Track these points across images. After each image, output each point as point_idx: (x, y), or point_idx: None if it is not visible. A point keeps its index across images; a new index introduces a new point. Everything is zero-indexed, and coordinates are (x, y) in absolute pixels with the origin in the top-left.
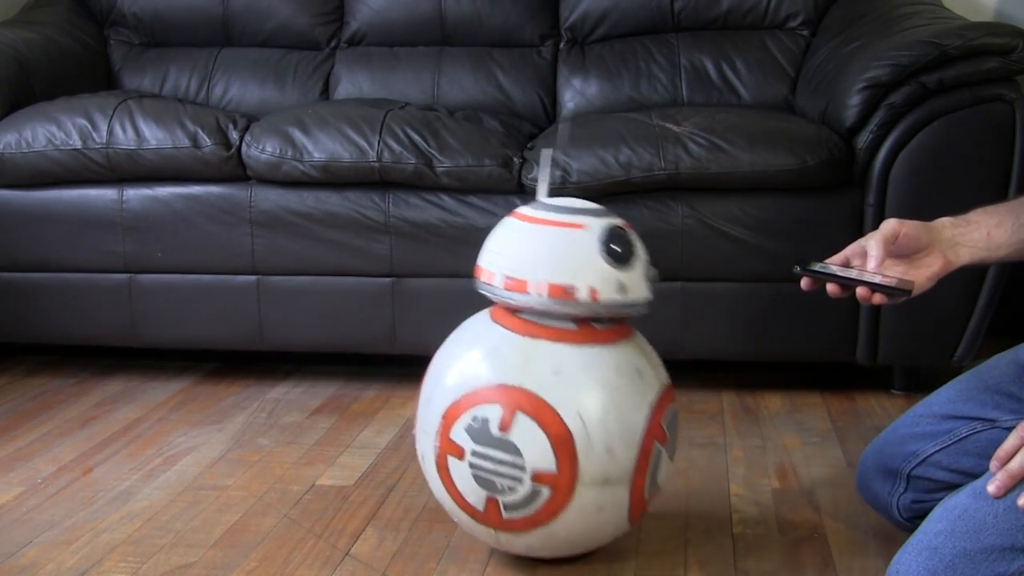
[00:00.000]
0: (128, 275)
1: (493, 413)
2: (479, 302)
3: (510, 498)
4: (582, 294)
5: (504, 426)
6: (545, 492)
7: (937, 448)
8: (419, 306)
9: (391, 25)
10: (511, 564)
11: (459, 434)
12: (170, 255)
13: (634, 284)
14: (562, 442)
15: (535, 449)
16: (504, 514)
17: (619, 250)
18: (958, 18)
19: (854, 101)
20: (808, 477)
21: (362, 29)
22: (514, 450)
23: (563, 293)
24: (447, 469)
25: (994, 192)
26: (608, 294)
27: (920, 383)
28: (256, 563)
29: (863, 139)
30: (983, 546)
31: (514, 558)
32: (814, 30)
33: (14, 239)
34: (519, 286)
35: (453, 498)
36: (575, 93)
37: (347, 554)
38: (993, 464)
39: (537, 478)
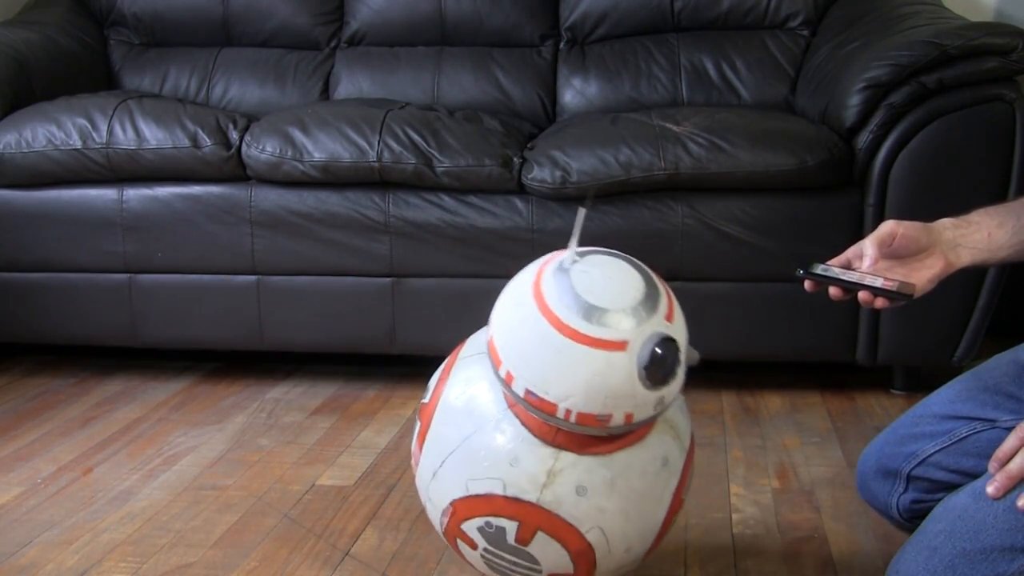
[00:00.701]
0: (128, 275)
1: (510, 526)
2: (478, 302)
3: None
4: (617, 420)
5: (522, 541)
6: None
7: (937, 448)
8: (419, 306)
9: (391, 25)
10: None
11: (472, 531)
12: (170, 255)
13: (673, 390)
14: (582, 554)
15: (553, 560)
16: None
17: (662, 371)
18: (958, 18)
19: (854, 101)
20: (808, 477)
21: (362, 29)
22: (531, 559)
23: (595, 421)
24: (457, 545)
25: (994, 192)
26: (643, 414)
27: (920, 383)
28: (256, 563)
29: (863, 139)
30: (982, 546)
31: None
32: (814, 30)
33: (14, 239)
34: (545, 406)
35: (461, 559)
36: (575, 93)
37: (347, 554)
38: (992, 465)
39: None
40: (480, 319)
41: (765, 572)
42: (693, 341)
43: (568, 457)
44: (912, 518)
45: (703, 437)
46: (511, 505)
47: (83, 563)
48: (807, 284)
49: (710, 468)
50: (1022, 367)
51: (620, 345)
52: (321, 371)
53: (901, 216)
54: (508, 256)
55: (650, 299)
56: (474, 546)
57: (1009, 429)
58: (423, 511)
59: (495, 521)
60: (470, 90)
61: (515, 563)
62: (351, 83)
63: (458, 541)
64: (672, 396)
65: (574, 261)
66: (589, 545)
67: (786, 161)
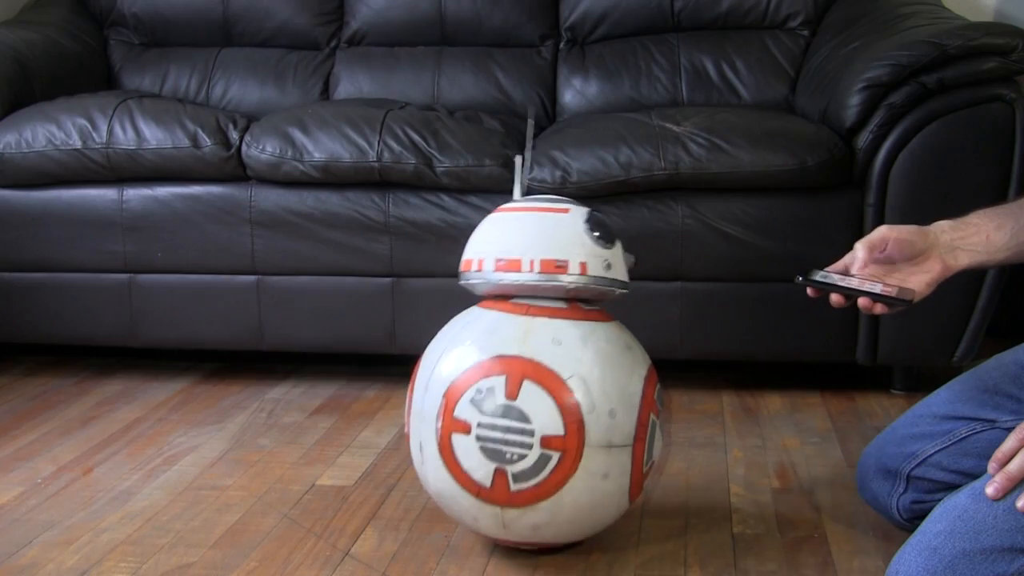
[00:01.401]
0: (128, 275)
1: (498, 383)
2: (478, 302)
3: (519, 467)
4: (573, 267)
5: (511, 394)
6: (554, 458)
7: (937, 448)
8: (419, 306)
9: (391, 25)
10: (511, 564)
11: (464, 409)
12: (170, 255)
13: (617, 263)
14: (568, 406)
15: (543, 414)
16: (512, 485)
17: (603, 229)
18: (958, 18)
19: (854, 101)
20: (808, 477)
21: (362, 29)
22: (522, 416)
23: (555, 268)
24: (451, 449)
25: (994, 192)
26: (596, 269)
27: (920, 383)
28: (256, 563)
29: (863, 139)
30: (982, 547)
31: (514, 558)
32: (814, 30)
33: (14, 239)
34: (512, 265)
35: (457, 479)
36: (575, 93)
37: (347, 554)
38: (992, 466)
39: (546, 443)
40: None
41: (765, 572)
42: (693, 340)
43: (540, 320)
44: (912, 518)
45: (703, 437)
46: (496, 363)
47: (83, 563)
48: (809, 290)
49: (710, 468)
50: (1022, 367)
51: (564, 210)
52: (321, 371)
53: (901, 216)
54: None
55: (580, 204)
56: (468, 429)
57: (1009, 430)
58: (423, 511)
59: (484, 384)
60: (470, 90)
61: (508, 428)
62: (351, 83)
63: (453, 440)
64: (619, 267)
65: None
66: (572, 395)
67: (786, 161)
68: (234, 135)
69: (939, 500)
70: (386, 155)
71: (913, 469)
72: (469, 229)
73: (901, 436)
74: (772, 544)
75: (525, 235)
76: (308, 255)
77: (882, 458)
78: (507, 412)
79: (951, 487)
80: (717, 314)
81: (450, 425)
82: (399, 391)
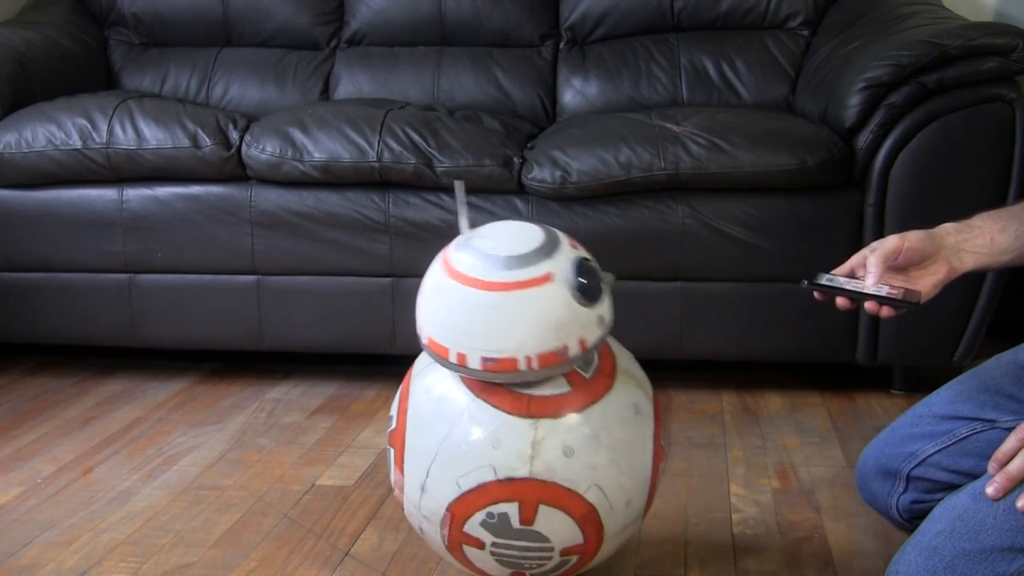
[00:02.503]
0: (128, 275)
1: (511, 509)
2: None
3: (538, 571)
4: (573, 351)
5: (526, 520)
6: (574, 559)
7: (937, 449)
8: None
9: (391, 25)
10: None
11: (475, 528)
12: (170, 255)
13: (607, 308)
14: (587, 518)
15: (562, 532)
16: None
17: (591, 287)
18: (958, 18)
19: (854, 101)
20: (808, 477)
21: (362, 29)
22: (540, 538)
23: (555, 358)
24: (463, 552)
25: (994, 192)
26: (593, 336)
27: (920, 383)
28: (256, 563)
29: (863, 139)
30: (982, 547)
31: None
32: (814, 30)
33: (14, 239)
34: (507, 366)
35: (469, 570)
36: (575, 93)
37: (347, 554)
38: (992, 466)
39: (566, 552)
40: None
41: (765, 572)
42: (693, 340)
43: (547, 423)
44: (912, 518)
45: (703, 437)
46: (506, 487)
47: (83, 563)
48: (816, 293)
49: (710, 468)
50: (1022, 368)
51: (546, 278)
52: (321, 371)
53: (902, 216)
54: None
55: (551, 237)
56: (481, 545)
57: (1009, 430)
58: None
59: (495, 509)
60: (470, 90)
61: (526, 548)
62: (351, 83)
63: (464, 548)
64: (609, 314)
65: (470, 233)
66: (591, 506)
67: (786, 161)
68: (234, 135)
69: (939, 500)
70: (386, 155)
71: (913, 469)
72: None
73: (901, 436)
74: (772, 544)
75: (513, 328)
76: (308, 255)
77: (882, 458)
78: (523, 535)
79: (951, 487)
80: (717, 314)
81: (460, 537)
82: None
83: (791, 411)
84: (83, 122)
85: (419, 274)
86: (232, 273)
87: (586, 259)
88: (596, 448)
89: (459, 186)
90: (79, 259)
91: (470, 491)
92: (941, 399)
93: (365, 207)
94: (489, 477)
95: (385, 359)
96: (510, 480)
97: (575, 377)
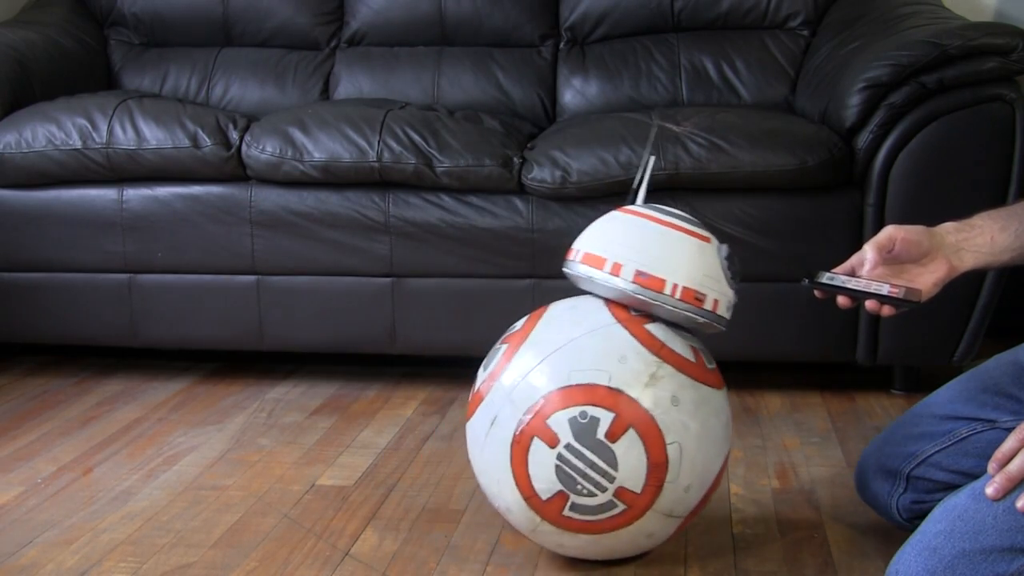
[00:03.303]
0: (128, 275)
1: (605, 417)
2: (478, 302)
3: (583, 501)
4: (708, 303)
5: (613, 435)
6: (619, 508)
7: (937, 449)
8: (419, 306)
9: (391, 25)
10: (510, 564)
11: (559, 422)
12: (170, 255)
13: (731, 305)
14: (657, 468)
15: (632, 467)
16: (566, 511)
17: (736, 268)
18: (958, 18)
19: (854, 101)
20: (808, 477)
21: (362, 29)
22: (612, 461)
23: (695, 299)
24: (526, 449)
25: (994, 192)
26: (724, 309)
27: (920, 383)
28: (256, 563)
29: (863, 139)
30: (982, 547)
31: (514, 558)
32: (814, 30)
33: (14, 239)
34: (654, 284)
35: (516, 476)
36: (575, 93)
37: (347, 554)
38: (991, 466)
39: (620, 494)
40: (480, 319)
41: (765, 572)
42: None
43: (669, 368)
44: (912, 518)
45: None
46: (613, 396)
47: (83, 563)
48: (817, 292)
49: None
50: (1022, 368)
51: (707, 238)
52: (321, 371)
53: (902, 216)
54: (508, 256)
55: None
56: (554, 442)
57: (1009, 430)
58: (423, 511)
59: (591, 411)
60: (470, 90)
61: (592, 464)
62: (351, 83)
63: (533, 441)
64: (729, 315)
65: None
66: (667, 458)
67: (786, 161)
68: (234, 135)
69: (939, 500)
70: (386, 155)
71: (913, 469)
72: (469, 229)
73: (901, 436)
74: (772, 544)
75: (672, 255)
76: (308, 255)
77: (882, 458)
78: (600, 450)
79: (951, 487)
80: None
81: (538, 427)
82: (399, 391)
83: (791, 411)
84: (83, 122)
85: (419, 274)
86: (232, 273)
87: (732, 248)
88: (695, 414)
89: (648, 161)
90: (79, 259)
91: (578, 385)
92: (941, 399)
93: (365, 207)
94: (603, 380)
95: (385, 359)
96: (620, 391)
97: (701, 358)
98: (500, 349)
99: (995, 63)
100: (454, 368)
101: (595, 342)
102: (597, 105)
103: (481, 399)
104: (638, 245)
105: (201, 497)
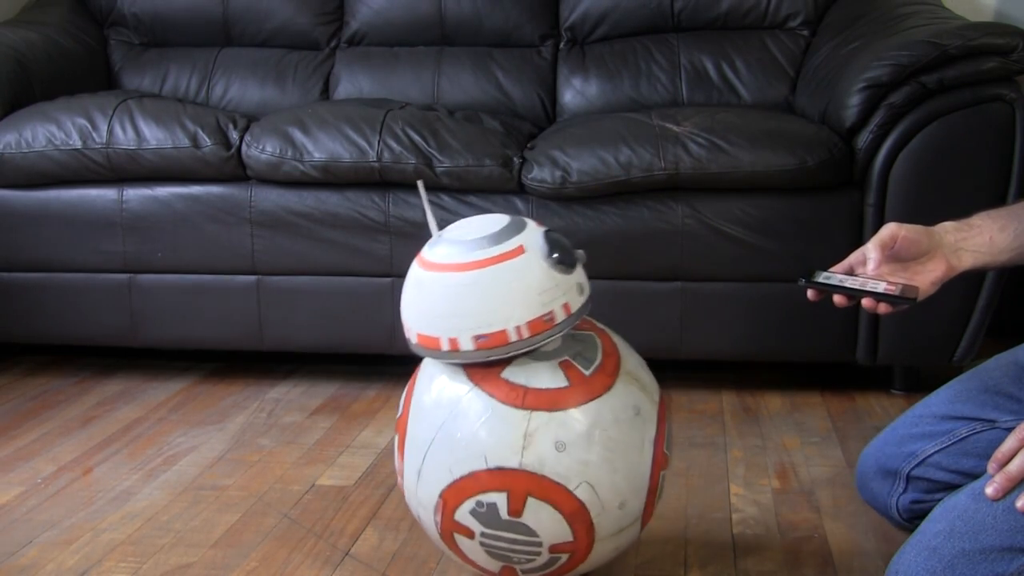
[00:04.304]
0: (128, 275)
1: (500, 499)
2: None
3: (529, 566)
4: (560, 316)
5: (514, 511)
6: (564, 557)
7: (937, 448)
8: None
9: (391, 25)
10: None
11: (465, 517)
12: (170, 255)
13: (583, 277)
14: (576, 515)
15: (549, 527)
16: (521, 574)
17: (563, 254)
18: (958, 18)
19: (854, 101)
20: (808, 477)
21: (362, 29)
22: (528, 531)
23: (543, 324)
24: (454, 541)
25: (994, 192)
26: (577, 302)
27: (920, 383)
28: (256, 563)
29: (863, 139)
30: (982, 547)
31: None
32: (814, 30)
33: (14, 239)
34: (498, 340)
35: (463, 559)
36: (575, 93)
37: (347, 554)
38: (991, 466)
39: (554, 549)
40: None
41: (765, 572)
42: (693, 340)
43: (540, 416)
44: (912, 518)
45: (703, 437)
46: (496, 477)
47: (83, 563)
48: (810, 293)
49: (710, 468)
50: (1022, 368)
51: (519, 250)
52: (321, 371)
53: (902, 216)
54: None
55: (515, 218)
56: (471, 534)
57: (1009, 430)
58: None
59: (485, 498)
60: (470, 90)
61: (514, 541)
62: (351, 83)
63: (455, 537)
64: (587, 283)
65: (439, 233)
66: (581, 504)
67: (786, 161)
68: (234, 135)
69: (939, 500)
70: (386, 155)
71: (913, 469)
72: None
73: (901, 436)
74: (772, 544)
75: (496, 300)
76: (308, 255)
77: (882, 458)
78: (512, 527)
79: (951, 487)
80: (717, 314)
81: (451, 526)
82: (399, 391)
83: (791, 411)
84: (83, 122)
85: None
86: (232, 273)
87: (552, 231)
88: (589, 445)
89: (421, 187)
90: (79, 259)
91: (461, 478)
92: (941, 399)
93: (365, 207)
94: (480, 466)
95: (385, 359)
96: (500, 469)
97: (574, 373)
98: (395, 439)
99: (995, 63)
100: None
101: (460, 423)
102: (597, 105)
103: (401, 490)
104: (461, 310)
105: (201, 497)
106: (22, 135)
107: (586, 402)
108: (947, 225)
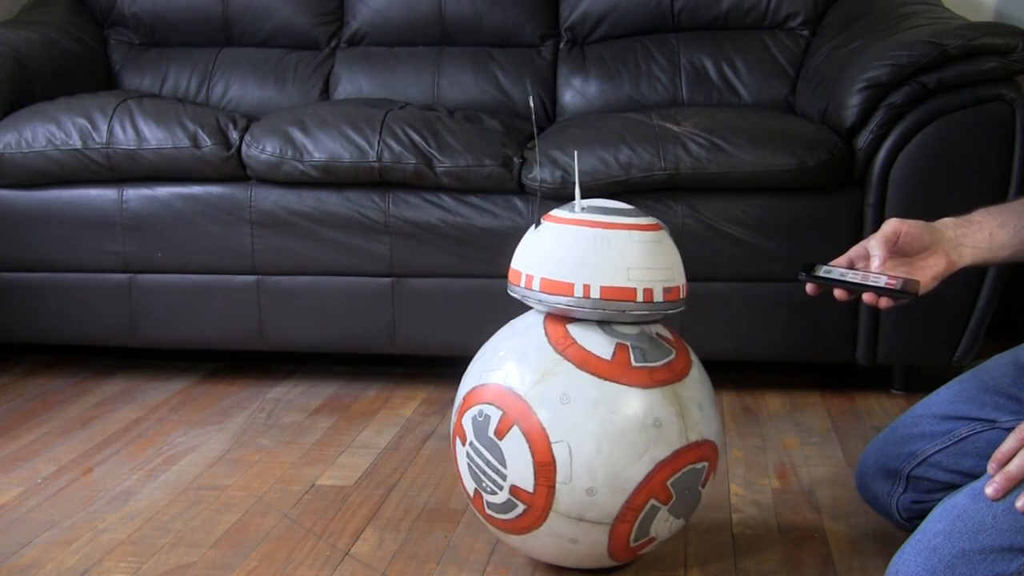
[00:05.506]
0: (128, 275)
1: (495, 414)
2: (478, 302)
3: (492, 499)
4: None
5: (499, 432)
6: (520, 507)
7: (937, 448)
8: (419, 306)
9: (391, 25)
10: (510, 565)
11: (468, 422)
12: (170, 255)
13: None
14: (543, 468)
15: (519, 465)
16: (486, 510)
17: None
18: (958, 18)
19: (854, 101)
20: (808, 477)
21: (362, 29)
22: (501, 459)
23: (678, 293)
24: (455, 445)
25: (994, 192)
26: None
27: (920, 383)
28: (256, 563)
29: (863, 139)
30: (982, 547)
31: (514, 558)
32: (814, 30)
33: (14, 239)
34: (674, 294)
35: (458, 475)
36: (575, 93)
37: (347, 554)
38: (991, 466)
39: (514, 492)
40: (480, 319)
41: (765, 572)
42: (693, 340)
43: (567, 366)
44: (912, 518)
45: None
46: (503, 395)
47: (83, 563)
48: (809, 287)
49: None
50: (1022, 368)
51: (656, 227)
52: (321, 371)
53: (902, 216)
54: (508, 256)
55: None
56: (464, 439)
57: (1009, 430)
58: (423, 511)
59: (486, 409)
60: (470, 90)
61: (488, 462)
62: (351, 83)
63: (456, 440)
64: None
65: (584, 202)
66: (553, 459)
67: (786, 161)
68: (234, 135)
69: (939, 500)
70: (386, 155)
71: (913, 469)
72: (469, 229)
73: (901, 436)
74: (772, 544)
75: (676, 257)
76: (308, 255)
77: (882, 458)
78: (491, 447)
79: (951, 487)
80: (717, 314)
81: (458, 427)
82: (399, 391)
83: (791, 411)
84: (83, 122)
85: (419, 274)
86: (232, 273)
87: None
88: (590, 413)
89: (576, 157)
90: (79, 259)
91: (483, 385)
92: (941, 399)
93: (365, 207)
94: (499, 380)
95: (385, 359)
96: (509, 390)
97: (622, 356)
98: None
99: (995, 63)
100: (454, 368)
101: (511, 343)
102: (597, 105)
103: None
104: (656, 262)
105: (201, 497)
106: (22, 135)
107: (611, 380)
108: (947, 221)
